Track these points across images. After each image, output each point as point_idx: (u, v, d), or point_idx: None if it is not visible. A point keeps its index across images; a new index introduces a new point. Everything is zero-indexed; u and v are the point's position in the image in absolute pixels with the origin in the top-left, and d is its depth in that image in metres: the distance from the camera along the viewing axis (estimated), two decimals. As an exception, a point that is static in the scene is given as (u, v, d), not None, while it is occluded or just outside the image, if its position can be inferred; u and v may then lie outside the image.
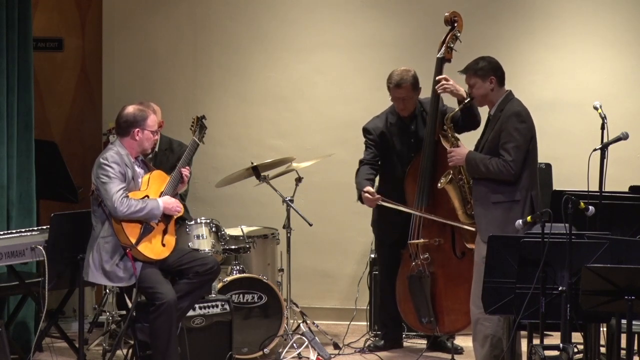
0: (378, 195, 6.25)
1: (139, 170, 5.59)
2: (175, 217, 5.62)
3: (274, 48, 7.56)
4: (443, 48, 6.24)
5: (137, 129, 5.51)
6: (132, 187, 5.48)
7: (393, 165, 6.48)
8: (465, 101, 5.85)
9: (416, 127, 6.44)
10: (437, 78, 6.12)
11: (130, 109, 5.56)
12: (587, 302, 4.61)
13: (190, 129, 5.79)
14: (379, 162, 6.50)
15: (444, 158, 5.91)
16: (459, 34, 6.25)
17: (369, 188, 6.28)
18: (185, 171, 5.67)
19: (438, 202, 6.20)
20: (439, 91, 6.12)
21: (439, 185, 5.98)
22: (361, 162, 6.49)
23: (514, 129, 5.50)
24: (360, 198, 6.34)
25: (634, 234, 5.30)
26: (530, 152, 5.55)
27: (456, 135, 5.92)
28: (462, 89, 6.00)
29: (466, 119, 6.13)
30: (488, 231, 5.46)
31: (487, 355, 5.58)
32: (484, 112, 5.91)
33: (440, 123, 6.10)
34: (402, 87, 6.33)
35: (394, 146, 6.46)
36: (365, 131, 6.51)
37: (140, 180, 5.56)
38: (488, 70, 5.59)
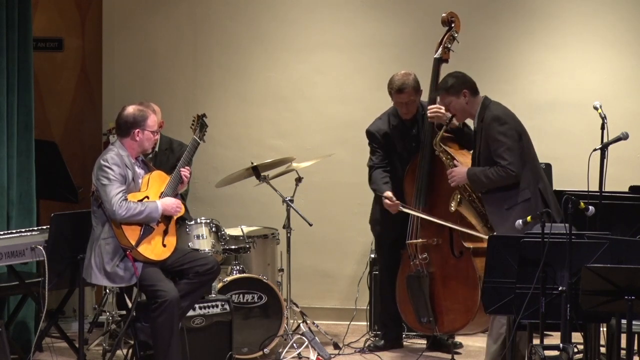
0: (397, 201, 6.25)
1: (139, 170, 5.59)
2: (175, 217, 5.62)
3: (274, 48, 7.56)
4: (440, 49, 6.24)
5: (138, 130, 5.51)
6: (132, 188, 5.48)
7: (394, 167, 6.47)
8: (447, 120, 5.85)
9: (417, 131, 6.43)
10: (429, 107, 6.12)
11: (130, 110, 5.56)
12: (587, 302, 4.61)
13: (191, 127, 5.79)
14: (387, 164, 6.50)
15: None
16: (456, 35, 6.25)
17: (388, 193, 6.28)
18: (185, 172, 5.67)
19: (435, 202, 6.20)
20: (429, 120, 6.12)
21: (451, 209, 5.92)
22: (372, 168, 6.47)
23: (498, 133, 5.52)
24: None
25: (634, 234, 5.30)
26: (524, 148, 5.56)
27: (450, 155, 5.92)
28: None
29: (463, 143, 6.12)
30: None
31: (497, 351, 5.57)
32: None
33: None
34: (404, 92, 6.31)
35: (396, 148, 6.46)
36: (370, 135, 6.49)
37: (140, 180, 5.56)
38: (459, 85, 5.65)
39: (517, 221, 5.10)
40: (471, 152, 5.95)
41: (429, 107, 6.13)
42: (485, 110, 5.60)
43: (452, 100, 5.65)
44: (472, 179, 5.67)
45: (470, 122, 6.00)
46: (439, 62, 6.24)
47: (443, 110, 6.01)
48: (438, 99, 6.00)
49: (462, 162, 5.87)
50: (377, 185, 6.39)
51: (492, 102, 5.66)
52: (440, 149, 5.92)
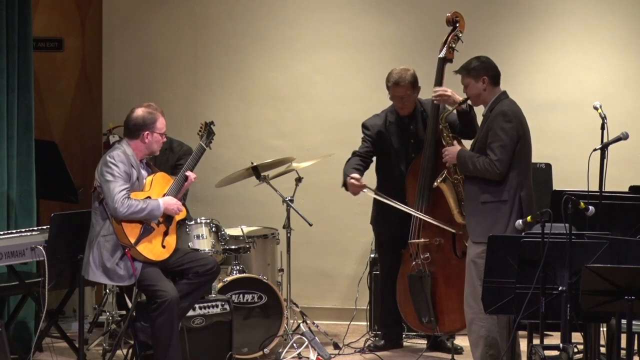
0: (364, 182, 6.27)
1: (143, 172, 5.60)
2: (177, 219, 5.63)
3: (274, 48, 7.56)
4: (445, 48, 6.24)
5: (147, 132, 5.52)
6: (136, 188, 5.49)
7: (391, 165, 6.48)
8: (461, 100, 5.86)
9: (415, 127, 6.44)
10: (435, 89, 6.13)
11: (140, 112, 5.56)
12: (587, 302, 4.61)
13: (198, 133, 5.80)
14: (372, 157, 6.53)
15: (444, 159, 5.94)
16: (460, 35, 6.25)
17: (355, 174, 6.30)
18: (191, 175, 5.66)
19: (438, 202, 6.20)
20: (435, 101, 6.13)
21: (434, 184, 5.99)
22: (353, 154, 6.51)
23: (500, 128, 5.51)
24: (345, 185, 6.36)
25: (634, 234, 5.30)
26: (519, 151, 5.54)
27: (452, 134, 5.93)
28: (460, 99, 6.02)
29: (463, 126, 6.12)
30: (476, 232, 5.50)
31: (483, 355, 5.58)
32: (479, 111, 5.91)
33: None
34: (401, 85, 6.33)
35: (392, 145, 6.47)
36: (363, 126, 6.55)
37: (144, 182, 5.57)
38: (480, 70, 5.61)
39: (517, 221, 5.12)
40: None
41: (434, 89, 6.13)
42: (498, 103, 5.60)
43: (470, 82, 5.63)
44: (460, 160, 5.68)
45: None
46: (443, 62, 6.24)
47: (449, 93, 6.02)
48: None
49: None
50: (347, 167, 6.42)
51: (508, 97, 5.65)
52: (444, 123, 5.92)
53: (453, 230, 6.08)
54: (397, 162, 6.46)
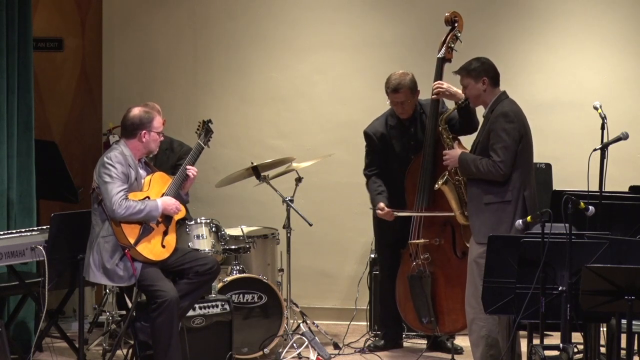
0: (388, 210, 6.27)
1: (141, 171, 5.60)
2: (176, 218, 5.63)
3: (274, 48, 7.56)
4: (443, 48, 6.24)
5: (144, 131, 5.52)
6: (134, 188, 5.48)
7: (391, 168, 6.47)
8: (460, 102, 5.86)
9: (415, 130, 6.43)
10: (433, 84, 6.12)
11: (136, 111, 5.57)
12: (587, 302, 4.61)
13: (196, 132, 5.79)
14: (382, 167, 6.50)
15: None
16: (459, 34, 6.25)
17: (380, 204, 6.31)
18: (191, 170, 5.65)
19: (438, 202, 6.19)
20: (433, 96, 6.13)
21: (436, 186, 5.98)
22: (367, 177, 6.50)
23: (502, 129, 5.50)
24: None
25: (634, 234, 5.30)
26: (522, 152, 5.54)
27: (452, 136, 5.93)
28: (459, 91, 6.00)
29: (463, 121, 6.12)
30: (480, 232, 5.48)
31: (483, 355, 5.58)
32: (480, 112, 5.91)
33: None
34: (400, 92, 6.31)
35: (393, 148, 6.45)
36: (366, 137, 6.50)
37: (142, 181, 5.57)
38: (480, 71, 5.60)
39: (517, 221, 5.11)
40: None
41: (433, 84, 6.12)
42: (499, 103, 5.59)
43: (470, 83, 5.62)
44: (462, 163, 5.66)
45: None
46: (442, 62, 6.24)
47: (445, 86, 6.03)
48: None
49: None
50: (371, 197, 6.43)
51: (508, 98, 5.65)
52: (444, 125, 5.91)
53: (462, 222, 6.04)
54: (398, 165, 6.44)
